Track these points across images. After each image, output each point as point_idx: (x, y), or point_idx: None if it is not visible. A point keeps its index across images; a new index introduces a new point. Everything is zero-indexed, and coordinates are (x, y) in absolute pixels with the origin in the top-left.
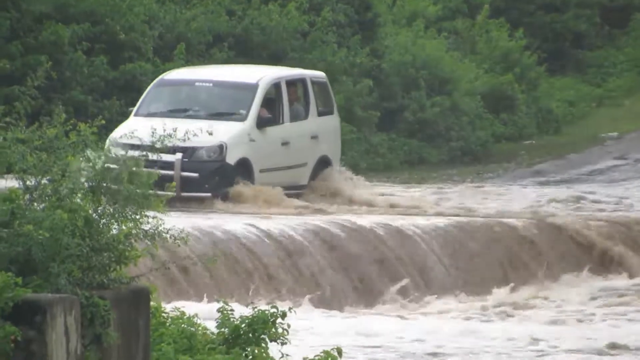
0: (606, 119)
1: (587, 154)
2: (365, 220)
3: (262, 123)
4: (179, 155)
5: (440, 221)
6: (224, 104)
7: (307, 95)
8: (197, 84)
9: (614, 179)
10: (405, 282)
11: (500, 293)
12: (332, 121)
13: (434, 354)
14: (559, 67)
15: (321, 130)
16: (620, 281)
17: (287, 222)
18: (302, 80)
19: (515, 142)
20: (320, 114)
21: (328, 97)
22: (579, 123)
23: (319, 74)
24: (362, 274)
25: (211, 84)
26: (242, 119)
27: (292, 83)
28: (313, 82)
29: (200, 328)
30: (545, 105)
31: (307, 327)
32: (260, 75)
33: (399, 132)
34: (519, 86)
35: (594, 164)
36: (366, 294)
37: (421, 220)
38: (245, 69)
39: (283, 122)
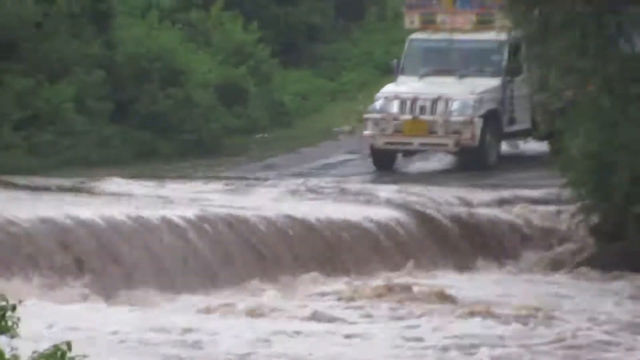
0: (339, 113)
1: (319, 148)
2: None
3: None
4: None
5: None
6: None
7: None
8: None
9: (346, 173)
10: None
11: None
12: None
13: None
14: (293, 60)
15: None
16: None
17: None
18: None
19: (247, 136)
20: None
21: None
22: (312, 117)
23: None
24: None
25: None
26: None
27: None
28: None
29: None
30: (278, 99)
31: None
32: None
33: (131, 124)
34: (252, 79)
35: (326, 158)
36: None
37: None
38: None
39: None
